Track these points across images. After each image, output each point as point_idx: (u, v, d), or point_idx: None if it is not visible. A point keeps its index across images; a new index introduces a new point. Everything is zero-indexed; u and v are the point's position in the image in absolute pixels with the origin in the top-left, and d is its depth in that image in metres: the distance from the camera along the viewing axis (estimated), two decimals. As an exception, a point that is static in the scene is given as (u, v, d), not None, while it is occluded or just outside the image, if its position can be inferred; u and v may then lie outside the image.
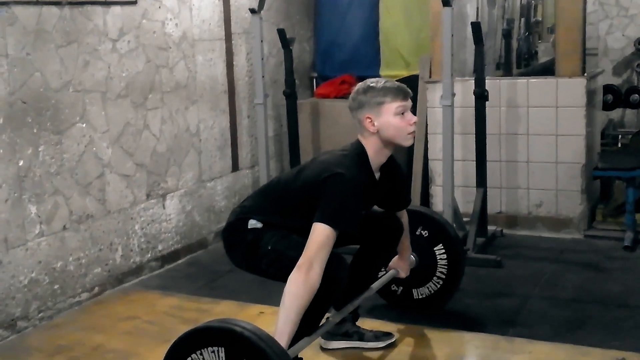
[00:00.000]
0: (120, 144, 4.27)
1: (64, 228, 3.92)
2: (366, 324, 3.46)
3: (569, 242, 4.82)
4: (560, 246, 4.74)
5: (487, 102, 4.64)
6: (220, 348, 2.39)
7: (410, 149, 5.02)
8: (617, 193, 5.31)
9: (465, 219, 4.72)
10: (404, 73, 5.56)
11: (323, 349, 3.35)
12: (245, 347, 2.35)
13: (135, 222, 4.40)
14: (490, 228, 4.85)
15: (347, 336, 3.35)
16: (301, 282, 2.59)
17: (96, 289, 4.14)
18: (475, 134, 4.69)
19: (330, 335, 3.33)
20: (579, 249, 4.68)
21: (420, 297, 3.71)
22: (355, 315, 3.39)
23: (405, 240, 3.43)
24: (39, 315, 3.79)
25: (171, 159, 4.68)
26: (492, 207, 4.97)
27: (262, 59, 5.08)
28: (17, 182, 3.65)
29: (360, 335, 3.36)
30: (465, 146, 4.95)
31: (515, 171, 5.01)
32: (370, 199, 3.05)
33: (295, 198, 2.92)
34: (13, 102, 3.61)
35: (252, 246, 2.96)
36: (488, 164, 4.75)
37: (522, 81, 5.00)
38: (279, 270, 2.85)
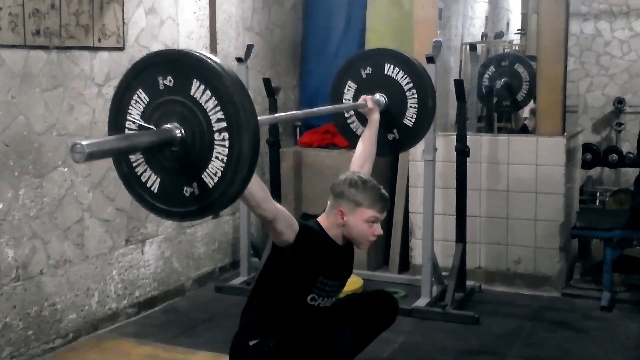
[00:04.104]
0: (102, 189, 4.25)
1: (41, 272, 3.88)
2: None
3: (546, 299, 4.83)
4: (538, 304, 4.75)
5: (468, 158, 4.69)
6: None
7: (390, 201, 5.03)
8: (595, 251, 5.34)
9: (444, 273, 4.73)
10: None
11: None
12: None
13: (113, 267, 4.36)
14: (469, 283, 4.85)
15: None
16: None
17: (70, 335, 4.08)
18: (456, 188, 4.72)
19: None
20: (556, 307, 4.70)
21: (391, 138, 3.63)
22: None
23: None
24: (11, 361, 3.73)
25: (152, 205, 4.65)
26: (471, 262, 4.98)
27: (247, 107, 5.10)
28: (-4, 225, 3.62)
29: None
30: (445, 200, 4.98)
31: (494, 227, 5.04)
32: (338, 264, 3.03)
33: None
34: (-5, 145, 3.60)
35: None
36: (468, 219, 4.77)
37: (503, 138, 5.06)
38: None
